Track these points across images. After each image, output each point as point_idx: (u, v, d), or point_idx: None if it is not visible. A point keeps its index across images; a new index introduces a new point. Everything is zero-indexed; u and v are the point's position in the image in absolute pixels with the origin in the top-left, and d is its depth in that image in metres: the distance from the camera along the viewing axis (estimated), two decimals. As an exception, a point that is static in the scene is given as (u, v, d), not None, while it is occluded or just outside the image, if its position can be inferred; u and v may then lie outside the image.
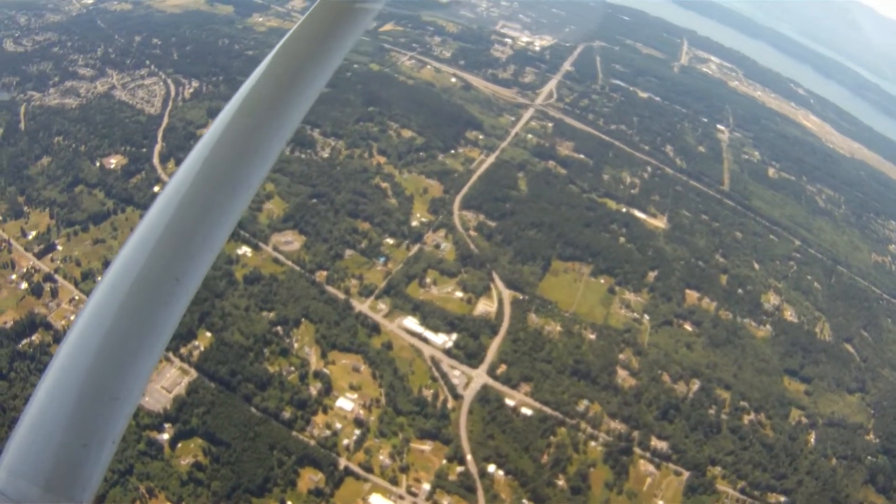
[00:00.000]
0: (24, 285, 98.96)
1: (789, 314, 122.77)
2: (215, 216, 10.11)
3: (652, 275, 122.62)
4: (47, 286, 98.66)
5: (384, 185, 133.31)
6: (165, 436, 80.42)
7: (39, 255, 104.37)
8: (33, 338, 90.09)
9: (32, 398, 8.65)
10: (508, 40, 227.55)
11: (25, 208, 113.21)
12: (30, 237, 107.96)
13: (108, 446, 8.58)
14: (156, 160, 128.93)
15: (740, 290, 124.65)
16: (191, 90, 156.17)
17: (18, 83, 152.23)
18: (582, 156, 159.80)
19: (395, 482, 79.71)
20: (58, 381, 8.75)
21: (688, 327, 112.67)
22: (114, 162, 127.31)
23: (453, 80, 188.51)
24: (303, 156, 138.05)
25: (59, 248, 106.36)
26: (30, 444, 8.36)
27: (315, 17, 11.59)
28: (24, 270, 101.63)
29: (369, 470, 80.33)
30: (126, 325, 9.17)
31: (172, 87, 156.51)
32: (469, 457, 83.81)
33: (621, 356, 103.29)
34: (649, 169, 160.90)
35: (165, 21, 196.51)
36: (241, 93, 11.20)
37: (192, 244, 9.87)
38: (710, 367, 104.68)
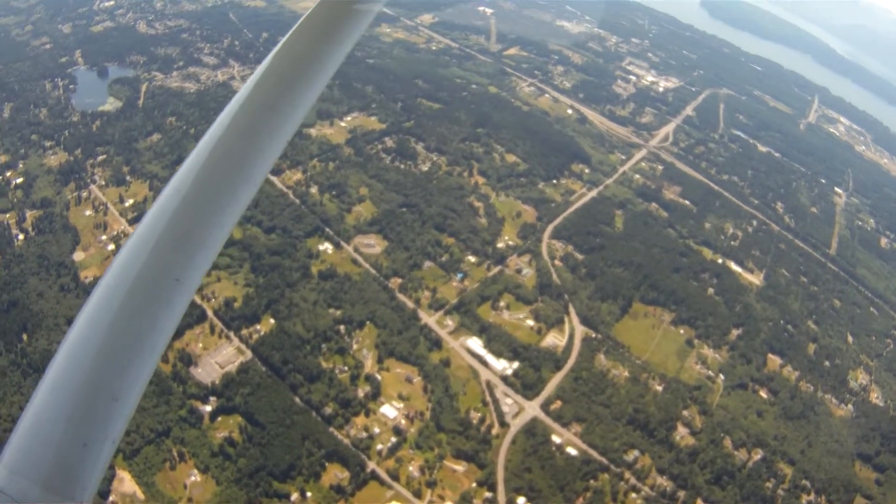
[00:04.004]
0: (112, 247, 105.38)
1: (876, 396, 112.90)
2: (215, 216, 10.27)
3: (735, 332, 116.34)
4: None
5: (477, 204, 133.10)
6: (208, 408, 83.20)
7: (131, 222, 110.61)
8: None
9: (33, 398, 8.82)
10: (633, 78, 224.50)
11: (128, 178, 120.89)
12: (126, 204, 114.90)
13: (108, 446, 8.75)
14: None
15: (827, 363, 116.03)
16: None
17: (144, 63, 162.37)
18: (687, 202, 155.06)
19: (418, 495, 78.45)
20: (58, 380, 8.89)
21: (763, 394, 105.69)
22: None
23: (569, 111, 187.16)
24: (402, 166, 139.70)
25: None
26: (30, 442, 8.53)
27: (315, 18, 11.87)
28: (115, 233, 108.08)
29: (396, 478, 79.45)
30: (126, 325, 9.31)
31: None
32: (500, 485, 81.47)
33: (685, 412, 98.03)
34: (754, 223, 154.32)
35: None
36: (241, 94, 11.55)
37: (192, 244, 10.00)
38: (777, 438, 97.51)
